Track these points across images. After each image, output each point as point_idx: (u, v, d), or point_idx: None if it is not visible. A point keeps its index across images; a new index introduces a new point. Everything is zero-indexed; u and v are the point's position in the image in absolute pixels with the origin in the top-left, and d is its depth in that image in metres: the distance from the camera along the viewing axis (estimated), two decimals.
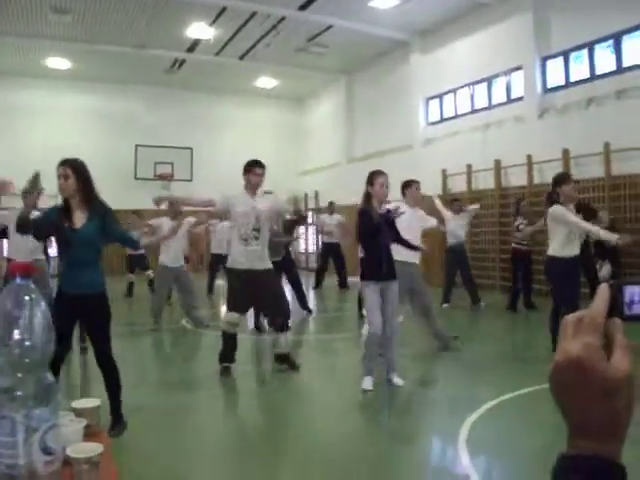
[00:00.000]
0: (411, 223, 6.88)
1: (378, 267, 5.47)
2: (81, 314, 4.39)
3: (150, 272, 12.53)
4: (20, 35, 15.87)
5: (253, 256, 6.09)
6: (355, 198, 17.90)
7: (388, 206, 5.85)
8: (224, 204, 6.26)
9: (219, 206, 6.33)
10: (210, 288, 13.74)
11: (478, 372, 6.24)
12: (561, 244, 6.23)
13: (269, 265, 6.29)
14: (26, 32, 15.71)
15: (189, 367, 7.08)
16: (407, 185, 7.53)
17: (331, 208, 15.24)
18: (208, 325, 9.10)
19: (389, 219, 5.65)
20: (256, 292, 6.14)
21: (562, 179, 6.42)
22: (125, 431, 4.31)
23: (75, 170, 4.37)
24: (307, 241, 21.14)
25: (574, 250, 6.27)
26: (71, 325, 4.38)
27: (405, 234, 6.05)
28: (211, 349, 6.91)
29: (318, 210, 20.90)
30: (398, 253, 6.02)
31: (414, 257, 6.85)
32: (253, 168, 6.39)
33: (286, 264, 9.92)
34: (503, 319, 10.31)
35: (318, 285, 15.05)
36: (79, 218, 4.33)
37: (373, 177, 5.68)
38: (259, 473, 3.82)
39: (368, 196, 5.66)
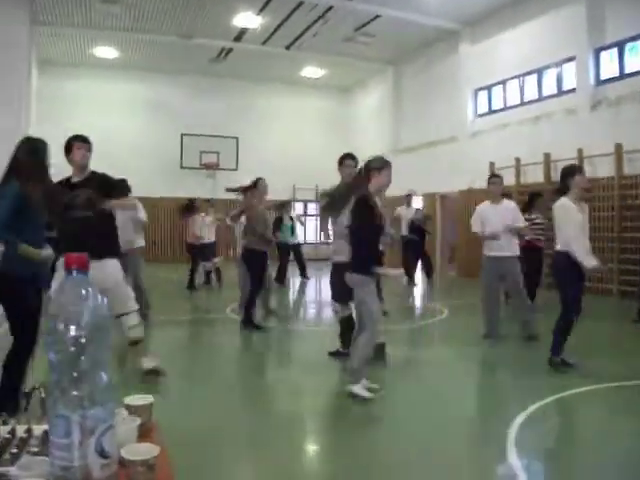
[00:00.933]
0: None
1: (375, 262, 5.08)
2: None
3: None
4: (69, 25, 16.15)
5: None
6: (401, 190, 17.89)
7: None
8: None
9: None
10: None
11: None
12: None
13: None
14: (75, 22, 15.98)
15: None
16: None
17: (408, 200, 15.15)
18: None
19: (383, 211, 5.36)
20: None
21: (573, 170, 6.02)
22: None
23: None
24: None
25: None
26: None
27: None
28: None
29: None
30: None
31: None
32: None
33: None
34: None
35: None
36: None
37: (382, 165, 5.23)
38: None
39: (368, 182, 5.20)
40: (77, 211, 4.74)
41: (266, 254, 8.33)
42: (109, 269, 5.02)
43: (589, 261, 5.75)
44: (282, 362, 7.03)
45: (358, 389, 5.02)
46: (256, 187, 8.43)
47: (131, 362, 5.50)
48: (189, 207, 12.87)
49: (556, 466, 3.84)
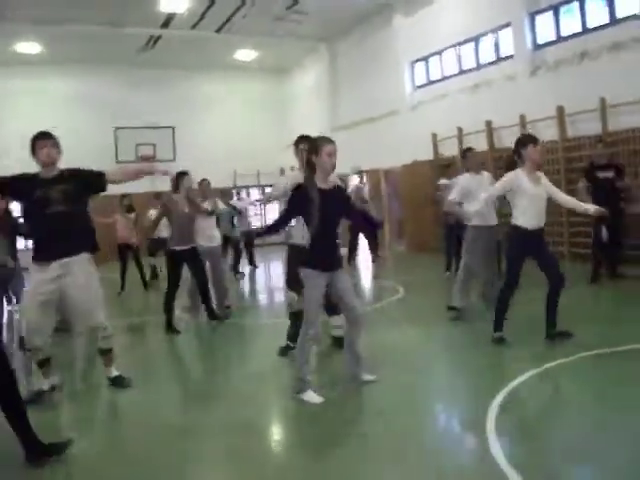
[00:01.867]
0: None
1: (325, 255, 4.78)
2: None
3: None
4: None
5: None
6: (344, 167, 17.83)
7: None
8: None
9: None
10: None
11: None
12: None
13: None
14: None
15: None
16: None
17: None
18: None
19: (340, 196, 4.95)
20: None
21: (526, 140, 5.85)
22: None
23: None
24: None
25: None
26: None
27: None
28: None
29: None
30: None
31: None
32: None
33: None
34: None
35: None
36: None
37: (319, 145, 4.74)
38: None
39: (311, 166, 4.78)
40: (55, 206, 4.83)
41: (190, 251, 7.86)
42: (85, 264, 5.02)
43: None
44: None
45: (307, 396, 4.78)
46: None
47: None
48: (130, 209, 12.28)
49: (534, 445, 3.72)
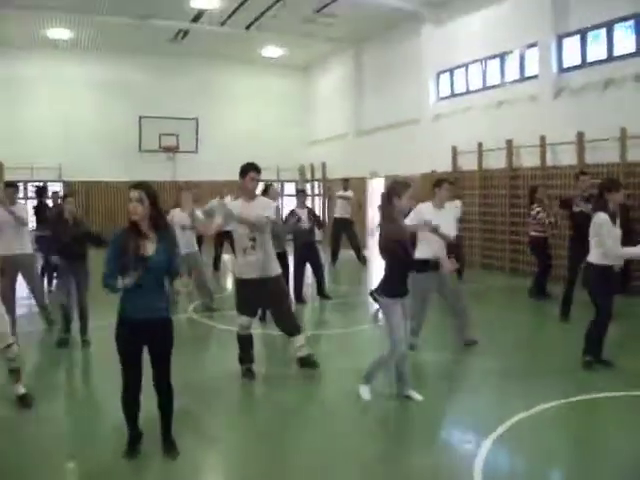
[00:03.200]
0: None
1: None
2: (146, 339, 4.21)
3: None
4: (20, 7, 15.46)
5: (255, 266, 5.92)
6: (362, 171, 17.89)
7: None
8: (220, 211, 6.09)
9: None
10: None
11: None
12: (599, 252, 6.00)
13: (273, 273, 6.07)
14: (27, 3, 15.29)
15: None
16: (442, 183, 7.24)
17: (345, 185, 15.44)
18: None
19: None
20: (262, 299, 6.09)
21: (614, 186, 6.07)
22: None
23: (149, 195, 4.15)
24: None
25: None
26: (139, 352, 4.22)
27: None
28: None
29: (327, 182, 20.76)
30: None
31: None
32: (249, 172, 5.94)
33: (309, 253, 10.15)
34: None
35: (334, 260, 14.74)
36: (149, 245, 4.15)
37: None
38: None
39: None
40: None
41: None
42: None
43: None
44: None
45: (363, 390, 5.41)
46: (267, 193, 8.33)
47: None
48: None
49: None
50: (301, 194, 10.96)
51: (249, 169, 5.93)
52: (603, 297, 6.06)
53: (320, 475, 4.18)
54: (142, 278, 4.05)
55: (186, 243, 8.81)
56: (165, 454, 4.31)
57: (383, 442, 4.79)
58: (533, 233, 10.14)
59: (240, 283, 6.11)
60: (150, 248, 4.14)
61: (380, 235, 5.41)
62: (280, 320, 6.22)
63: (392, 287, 5.25)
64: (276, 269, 6.14)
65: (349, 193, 15.19)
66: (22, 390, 5.42)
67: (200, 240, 10.81)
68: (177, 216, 9.09)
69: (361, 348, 7.51)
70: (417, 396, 5.41)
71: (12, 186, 8.22)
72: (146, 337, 4.19)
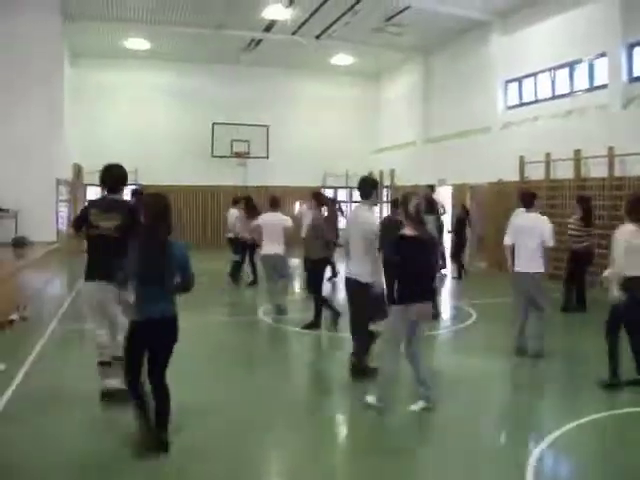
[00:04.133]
0: None
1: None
2: (151, 339, 4.43)
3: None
4: (101, 19, 16.34)
5: None
6: (430, 179, 17.90)
7: None
8: None
9: None
10: None
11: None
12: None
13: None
14: (106, 15, 16.15)
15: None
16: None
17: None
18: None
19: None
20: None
21: None
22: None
23: None
24: None
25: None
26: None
27: None
28: None
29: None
30: None
31: None
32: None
33: None
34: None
35: None
36: None
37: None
38: None
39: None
40: None
41: None
42: None
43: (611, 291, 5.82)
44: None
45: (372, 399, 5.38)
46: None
47: None
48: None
49: None
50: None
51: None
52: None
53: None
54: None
55: None
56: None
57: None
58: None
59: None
60: None
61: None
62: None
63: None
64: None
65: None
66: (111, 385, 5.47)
67: None
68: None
69: None
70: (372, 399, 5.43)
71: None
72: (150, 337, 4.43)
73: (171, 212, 4.44)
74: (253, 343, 8.40)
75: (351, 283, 6.23)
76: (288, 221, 9.60)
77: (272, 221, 9.49)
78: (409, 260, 5.19)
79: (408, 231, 5.27)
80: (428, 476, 4.43)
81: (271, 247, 9.38)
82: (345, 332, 7.29)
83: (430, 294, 5.47)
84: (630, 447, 4.83)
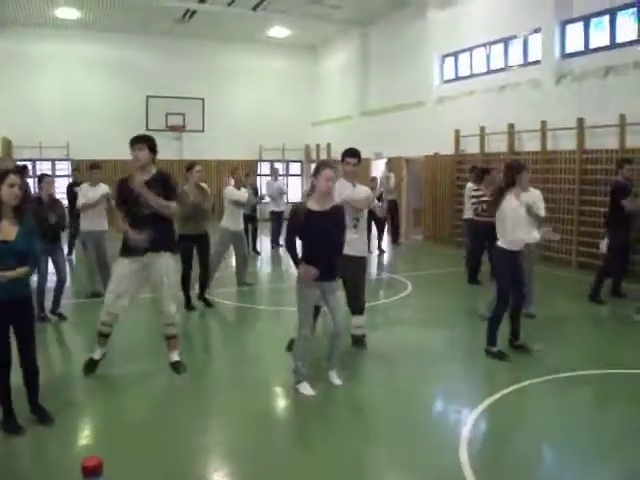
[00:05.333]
0: None
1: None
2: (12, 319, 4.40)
3: None
4: None
5: (353, 245, 6.08)
6: (367, 152, 17.98)
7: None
8: None
9: None
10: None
11: None
12: None
13: (361, 254, 6.36)
14: None
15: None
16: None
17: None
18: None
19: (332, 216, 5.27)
20: (343, 276, 6.08)
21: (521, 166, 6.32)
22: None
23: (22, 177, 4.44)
24: None
25: None
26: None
27: None
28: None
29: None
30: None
31: None
32: (345, 158, 6.46)
33: None
34: None
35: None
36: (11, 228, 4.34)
37: (319, 168, 5.27)
38: None
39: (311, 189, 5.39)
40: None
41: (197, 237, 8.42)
42: None
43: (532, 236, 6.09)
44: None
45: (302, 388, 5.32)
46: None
47: None
48: None
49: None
50: None
51: (347, 155, 6.50)
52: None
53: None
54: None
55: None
56: (41, 422, 4.52)
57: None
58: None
59: None
60: (12, 232, 4.31)
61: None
62: (352, 298, 6.42)
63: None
64: (366, 250, 6.65)
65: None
66: (176, 357, 5.87)
67: None
68: (229, 193, 9.54)
69: None
70: (337, 380, 5.52)
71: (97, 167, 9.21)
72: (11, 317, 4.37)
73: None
74: None
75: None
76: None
77: None
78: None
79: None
80: (363, 447, 4.50)
81: None
82: None
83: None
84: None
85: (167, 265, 5.66)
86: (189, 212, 8.08)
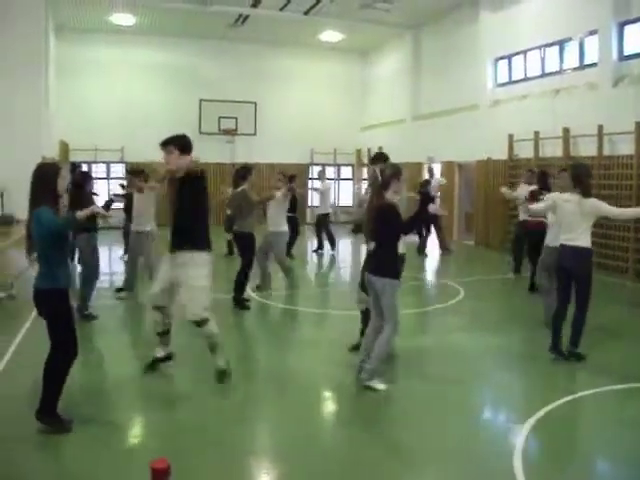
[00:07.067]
0: None
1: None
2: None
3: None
4: None
5: None
6: (419, 156, 17.81)
7: None
8: None
9: None
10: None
11: None
12: None
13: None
14: None
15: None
16: None
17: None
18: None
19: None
20: None
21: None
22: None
23: None
24: None
25: None
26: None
27: None
28: None
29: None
30: None
31: None
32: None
33: None
34: None
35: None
36: None
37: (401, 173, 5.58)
38: None
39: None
40: None
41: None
42: None
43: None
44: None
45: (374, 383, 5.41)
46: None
47: None
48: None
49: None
50: None
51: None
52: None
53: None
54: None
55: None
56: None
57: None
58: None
59: None
60: None
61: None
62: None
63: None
64: None
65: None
66: (220, 364, 5.64)
67: None
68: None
69: None
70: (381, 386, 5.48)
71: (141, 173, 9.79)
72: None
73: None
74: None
75: None
76: None
77: None
78: None
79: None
80: (416, 448, 4.45)
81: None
82: None
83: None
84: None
85: (194, 265, 5.46)
86: (250, 210, 8.55)
